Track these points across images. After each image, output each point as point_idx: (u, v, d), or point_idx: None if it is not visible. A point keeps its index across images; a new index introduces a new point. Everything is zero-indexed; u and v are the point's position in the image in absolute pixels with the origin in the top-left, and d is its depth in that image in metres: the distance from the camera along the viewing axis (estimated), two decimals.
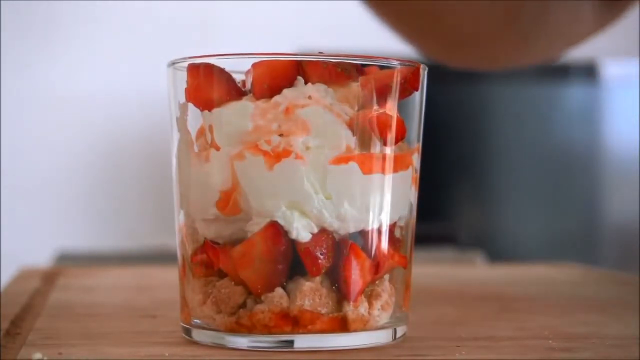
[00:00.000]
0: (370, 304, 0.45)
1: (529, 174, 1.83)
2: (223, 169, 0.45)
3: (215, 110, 0.45)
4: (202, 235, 0.46)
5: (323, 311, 0.44)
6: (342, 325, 0.45)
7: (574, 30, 0.76)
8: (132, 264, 0.99)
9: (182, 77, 0.46)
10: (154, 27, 1.80)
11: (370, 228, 0.45)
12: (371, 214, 0.45)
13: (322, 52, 0.45)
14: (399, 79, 0.46)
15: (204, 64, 0.46)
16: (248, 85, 0.46)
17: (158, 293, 0.65)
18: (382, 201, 0.46)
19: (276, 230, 0.44)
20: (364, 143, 0.45)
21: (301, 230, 0.44)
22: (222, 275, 0.45)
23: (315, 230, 0.44)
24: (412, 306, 0.49)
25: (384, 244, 0.46)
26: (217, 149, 0.45)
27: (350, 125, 0.45)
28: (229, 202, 0.45)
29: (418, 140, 0.48)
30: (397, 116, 0.46)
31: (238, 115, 0.45)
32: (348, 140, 0.45)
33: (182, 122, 0.47)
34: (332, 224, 0.44)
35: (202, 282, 0.46)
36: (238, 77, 0.46)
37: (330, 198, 0.44)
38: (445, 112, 1.75)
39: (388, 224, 0.46)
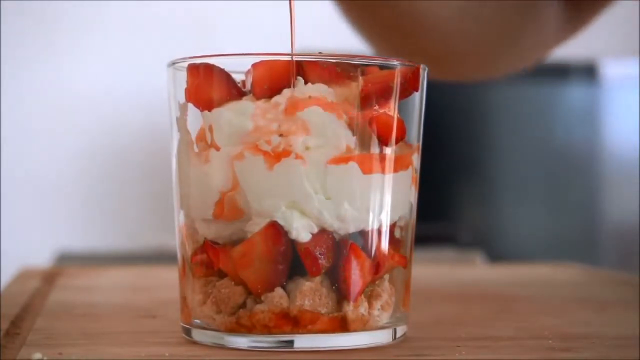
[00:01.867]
0: (370, 304, 0.45)
1: (529, 173, 1.83)
2: (223, 169, 0.45)
3: (215, 110, 0.45)
4: (202, 235, 0.46)
5: (323, 311, 0.44)
6: (342, 325, 0.45)
7: (544, 40, 0.75)
8: (132, 264, 0.98)
9: (182, 77, 0.46)
10: (154, 27, 1.80)
11: (370, 228, 0.45)
12: (371, 214, 0.45)
13: (322, 52, 0.45)
14: (399, 79, 0.46)
15: (204, 64, 0.46)
16: (248, 85, 0.45)
17: (158, 293, 0.65)
18: (382, 201, 0.46)
19: (276, 231, 0.44)
20: (364, 143, 0.45)
21: (301, 231, 0.44)
22: (222, 275, 0.45)
23: (315, 230, 0.44)
24: (412, 306, 0.49)
25: (384, 244, 0.46)
26: (217, 149, 0.45)
27: (350, 125, 0.45)
28: (224, 208, 0.45)
29: (418, 140, 0.48)
30: (397, 116, 0.46)
31: (238, 115, 0.45)
32: (348, 140, 0.45)
33: (182, 122, 0.47)
34: (332, 224, 0.44)
35: (202, 282, 0.46)
36: (238, 77, 0.46)
37: (330, 198, 0.44)
38: (445, 112, 1.75)
39: (388, 224, 0.46)
